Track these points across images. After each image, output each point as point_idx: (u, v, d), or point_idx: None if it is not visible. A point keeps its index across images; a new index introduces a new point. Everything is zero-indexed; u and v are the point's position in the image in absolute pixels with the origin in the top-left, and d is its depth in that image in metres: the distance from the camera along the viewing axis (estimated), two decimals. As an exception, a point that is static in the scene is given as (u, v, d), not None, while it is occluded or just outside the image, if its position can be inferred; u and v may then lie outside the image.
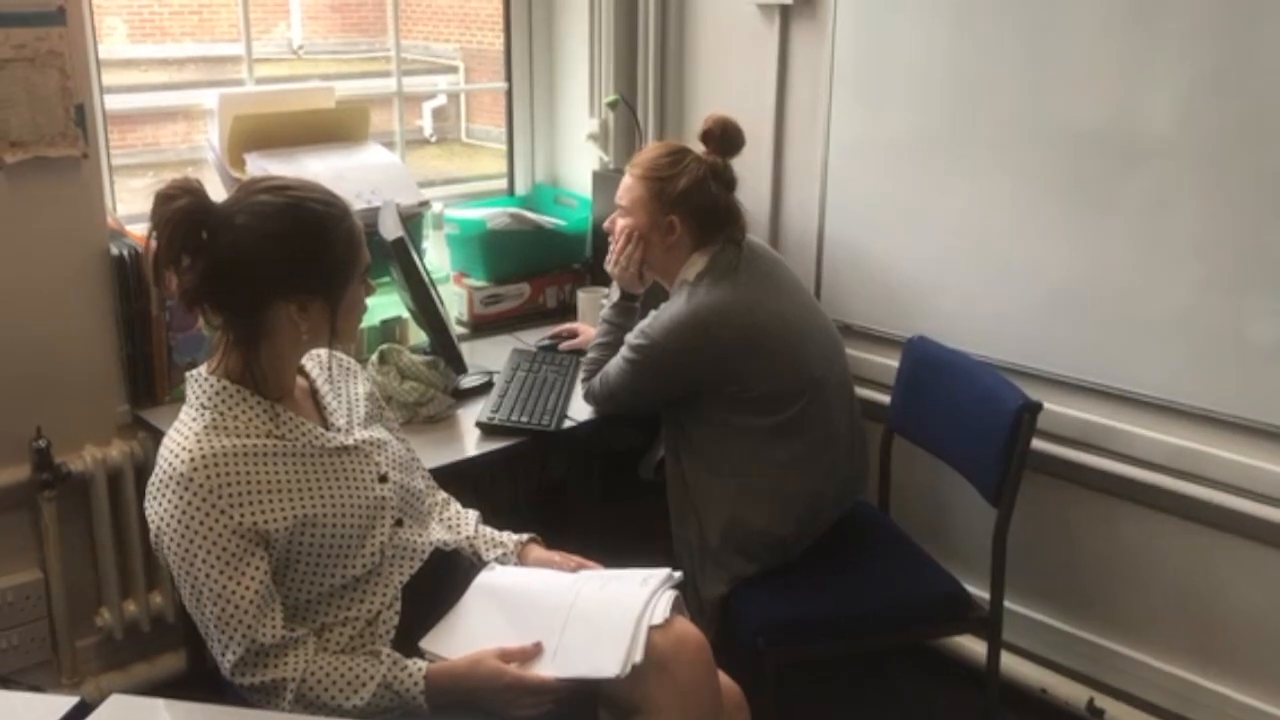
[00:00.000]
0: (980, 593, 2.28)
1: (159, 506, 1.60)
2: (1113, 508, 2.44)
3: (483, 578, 1.84)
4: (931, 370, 2.45)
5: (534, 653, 1.69)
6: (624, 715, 1.73)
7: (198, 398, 1.66)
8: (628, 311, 2.42)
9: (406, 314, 2.61)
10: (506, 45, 3.24)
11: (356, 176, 2.64)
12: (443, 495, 2.02)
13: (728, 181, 2.32)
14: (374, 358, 2.38)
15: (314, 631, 1.66)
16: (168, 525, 1.58)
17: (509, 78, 3.26)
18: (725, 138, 2.32)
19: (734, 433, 2.24)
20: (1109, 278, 2.32)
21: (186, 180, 1.63)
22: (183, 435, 1.63)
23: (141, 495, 2.39)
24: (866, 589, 2.25)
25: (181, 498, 1.57)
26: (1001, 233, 2.47)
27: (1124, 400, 2.36)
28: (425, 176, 3.20)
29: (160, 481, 1.61)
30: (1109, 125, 2.27)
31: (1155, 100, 2.21)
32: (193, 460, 1.58)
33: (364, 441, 1.79)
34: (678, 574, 1.82)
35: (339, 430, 1.77)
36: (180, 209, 1.59)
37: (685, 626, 1.74)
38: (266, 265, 1.61)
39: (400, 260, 2.30)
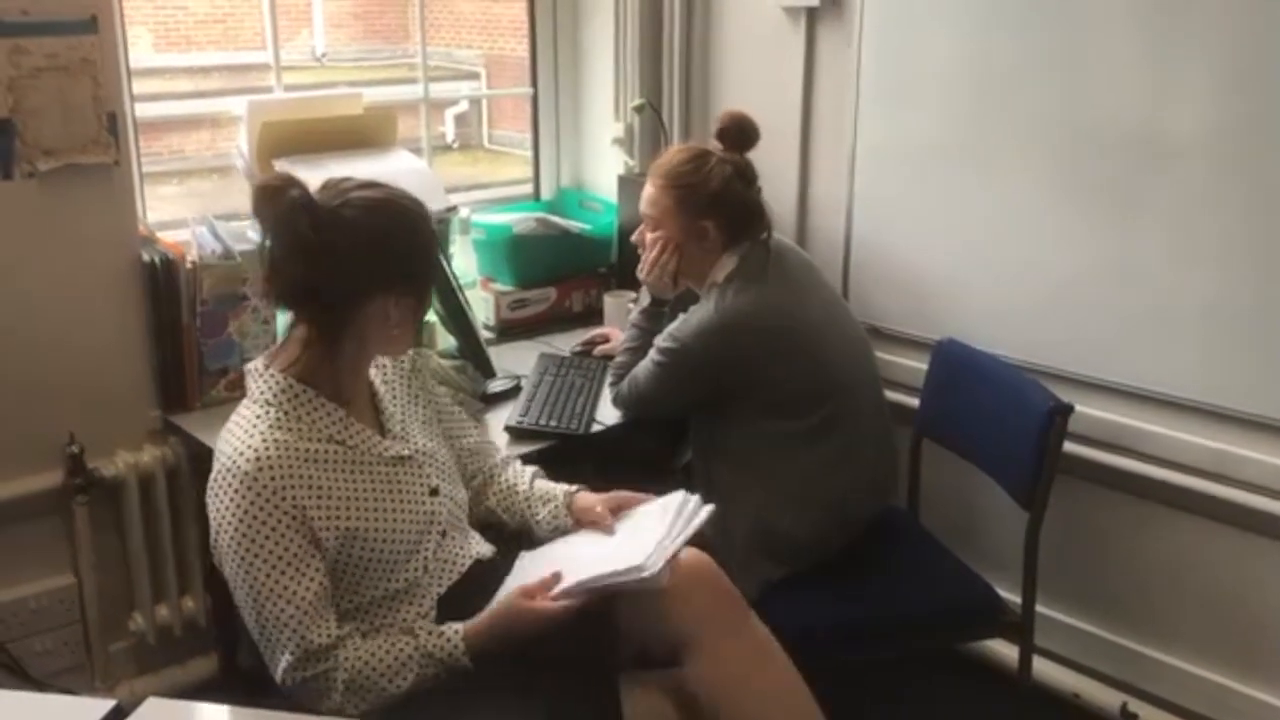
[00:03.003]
0: (1011, 596, 2.27)
1: (221, 502, 1.59)
2: (1146, 510, 2.42)
3: (523, 563, 1.86)
4: (961, 373, 2.44)
5: (552, 581, 1.69)
6: (653, 666, 1.73)
7: (263, 393, 1.65)
8: (657, 316, 2.42)
9: (435, 319, 2.62)
10: (531, 51, 3.25)
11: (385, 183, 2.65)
12: (501, 456, 2.03)
13: (751, 177, 2.31)
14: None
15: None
16: (229, 522, 1.57)
17: (534, 83, 3.27)
18: (742, 133, 2.30)
19: (762, 436, 2.24)
20: (1139, 278, 2.31)
21: (286, 174, 1.64)
22: (247, 431, 1.61)
23: (173, 500, 2.44)
24: (897, 594, 2.24)
25: (245, 495, 1.57)
26: (1030, 234, 2.46)
27: (1156, 402, 2.35)
28: (450, 182, 3.20)
29: (223, 477, 1.59)
30: (1138, 124, 2.26)
31: (1183, 99, 2.19)
32: (259, 458, 1.58)
33: (418, 452, 1.79)
34: (707, 502, 1.85)
35: (395, 438, 1.77)
36: (294, 201, 1.58)
37: (687, 555, 1.74)
38: (372, 260, 1.61)
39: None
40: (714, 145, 2.31)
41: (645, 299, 2.45)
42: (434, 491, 1.78)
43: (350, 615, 1.67)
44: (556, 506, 1.95)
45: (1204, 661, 2.40)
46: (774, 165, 2.52)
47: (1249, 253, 2.16)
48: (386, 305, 1.64)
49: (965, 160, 2.54)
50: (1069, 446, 2.26)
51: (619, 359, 2.43)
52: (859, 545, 2.28)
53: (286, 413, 1.64)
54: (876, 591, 2.23)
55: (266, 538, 1.57)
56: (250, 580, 1.57)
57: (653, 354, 2.28)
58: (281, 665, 1.58)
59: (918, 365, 2.62)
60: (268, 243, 1.62)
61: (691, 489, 2.33)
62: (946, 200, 2.59)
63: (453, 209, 2.78)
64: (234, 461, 1.58)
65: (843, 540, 2.27)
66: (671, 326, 2.28)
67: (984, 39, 2.46)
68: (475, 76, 6.28)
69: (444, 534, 1.79)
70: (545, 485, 2.00)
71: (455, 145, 5.49)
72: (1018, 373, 2.34)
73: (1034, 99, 2.40)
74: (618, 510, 1.91)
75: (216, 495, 1.60)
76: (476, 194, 3.32)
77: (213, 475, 1.62)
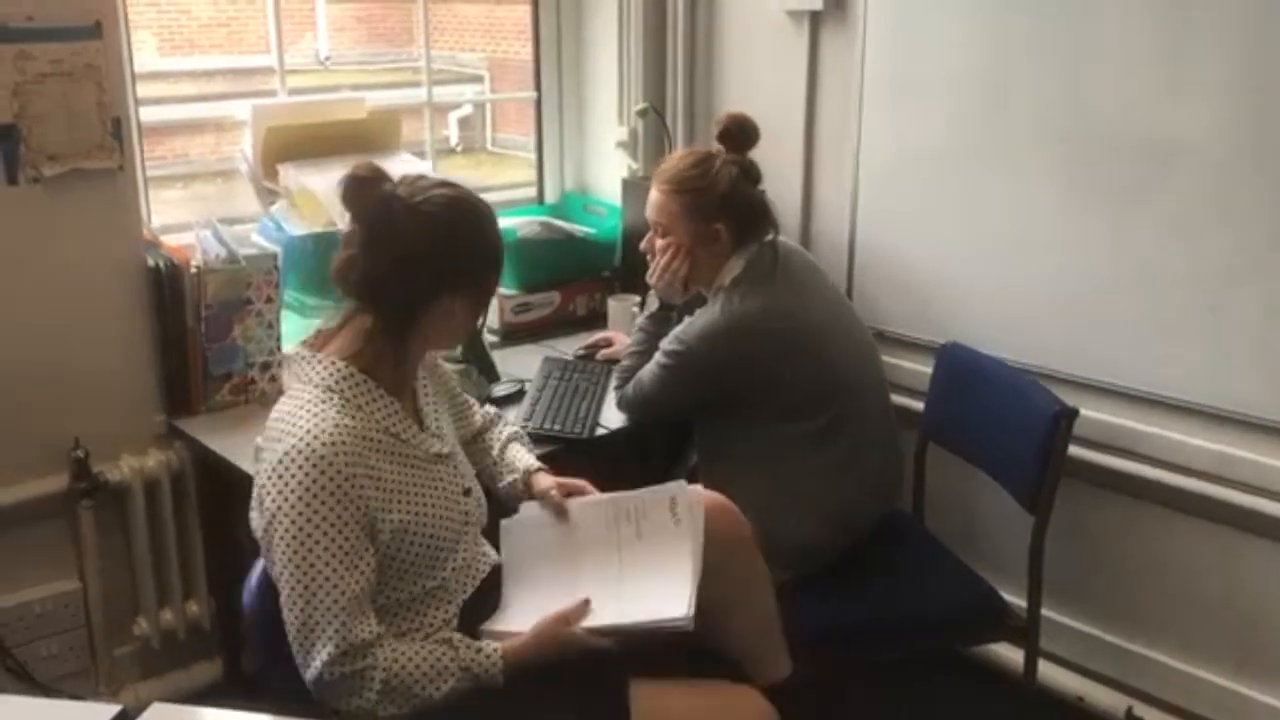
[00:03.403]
0: (1016, 600, 2.27)
1: (287, 485, 1.54)
2: (1151, 513, 2.42)
3: (514, 541, 1.87)
4: (966, 376, 2.44)
5: (584, 609, 1.70)
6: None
7: (323, 379, 1.62)
8: (664, 321, 2.41)
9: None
10: (535, 55, 3.25)
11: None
12: (493, 414, 2.07)
13: (755, 177, 2.31)
14: (407, 367, 2.38)
15: None
16: (290, 506, 1.53)
17: (538, 86, 3.27)
18: (743, 133, 2.30)
19: (767, 440, 2.24)
20: (1143, 281, 2.31)
21: (374, 165, 1.66)
22: (314, 415, 1.58)
23: (178, 504, 2.44)
24: (901, 597, 2.24)
25: (313, 478, 1.54)
26: (1035, 237, 2.45)
27: (1160, 405, 2.35)
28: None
29: (292, 459, 1.54)
30: (1143, 128, 2.26)
31: (1191, 102, 2.19)
32: (333, 442, 1.55)
33: (454, 451, 1.80)
34: (684, 482, 1.86)
35: (433, 435, 1.76)
36: (386, 194, 1.61)
37: (711, 513, 1.80)
38: (447, 257, 1.63)
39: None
40: (716, 148, 2.31)
41: (653, 304, 2.45)
42: (467, 492, 1.79)
43: (381, 613, 1.66)
44: (516, 480, 1.95)
45: (1210, 665, 2.40)
46: (778, 168, 2.52)
47: (1254, 256, 2.16)
48: (454, 302, 1.66)
49: (969, 163, 2.54)
50: (1073, 450, 2.25)
51: (625, 362, 2.43)
52: (864, 548, 2.28)
53: (348, 400, 1.62)
54: (881, 594, 2.23)
55: (331, 525, 1.54)
56: (304, 567, 1.54)
57: (658, 357, 2.28)
58: (321, 659, 1.54)
59: (922, 369, 2.62)
60: (351, 231, 1.64)
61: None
62: (951, 203, 2.59)
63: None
64: (306, 444, 1.54)
65: (848, 543, 2.26)
66: (677, 329, 2.28)
67: (989, 41, 2.46)
68: (479, 80, 6.28)
69: (474, 536, 1.81)
70: (513, 455, 2.00)
71: (459, 148, 5.50)
72: (1022, 376, 2.34)
73: (1039, 102, 2.40)
74: (569, 496, 1.90)
75: (281, 477, 1.55)
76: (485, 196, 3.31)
77: (278, 458, 1.56)
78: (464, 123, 6.09)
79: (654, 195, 2.31)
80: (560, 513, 1.88)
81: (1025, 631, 2.23)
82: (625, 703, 1.64)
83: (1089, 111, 2.33)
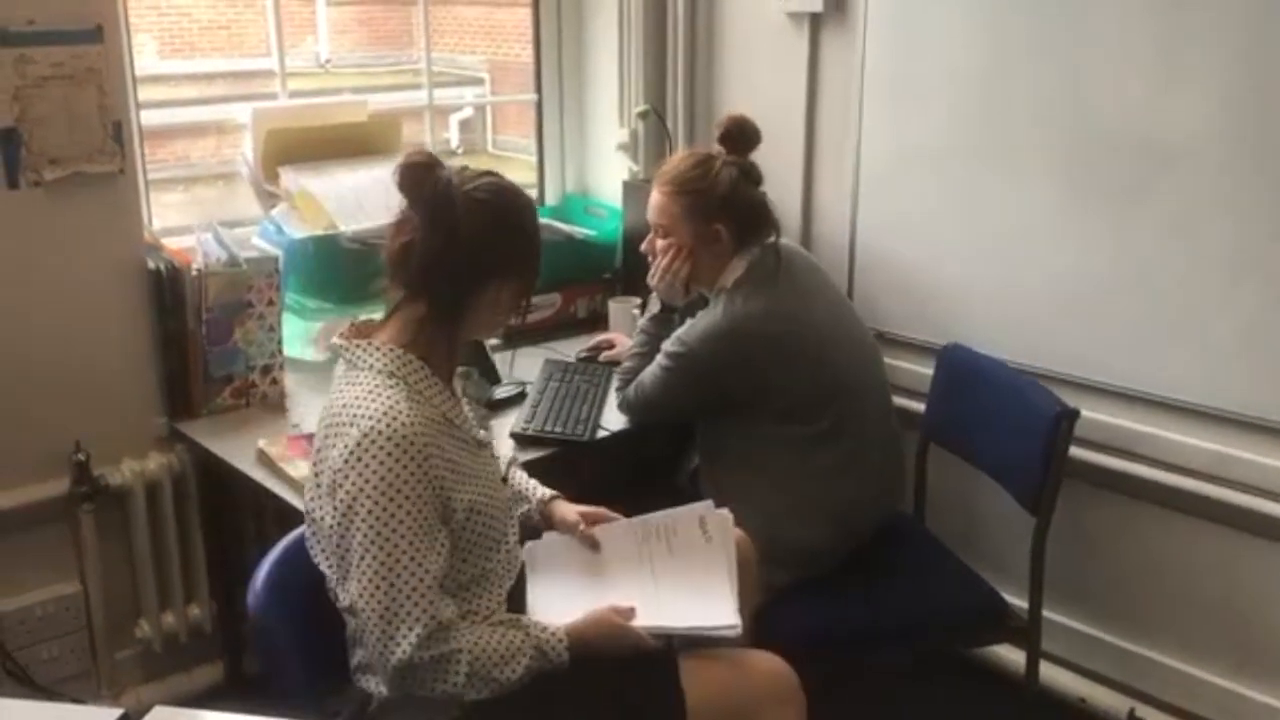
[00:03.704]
0: (1017, 601, 2.27)
1: (367, 468, 1.54)
2: (1152, 514, 2.42)
3: (540, 563, 1.87)
4: (967, 378, 2.44)
5: (631, 613, 1.73)
6: None
7: (384, 365, 1.63)
8: (666, 323, 2.40)
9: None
10: (536, 57, 3.25)
11: (389, 189, 2.64)
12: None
13: (756, 178, 2.31)
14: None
15: None
16: (373, 488, 1.53)
17: (538, 89, 3.27)
18: (744, 135, 2.30)
19: (769, 442, 2.24)
20: (1145, 283, 2.31)
21: (428, 152, 1.68)
22: (383, 399, 1.58)
23: (179, 507, 2.44)
24: (903, 599, 2.24)
25: (395, 458, 1.54)
26: (1035, 238, 2.45)
27: (1161, 405, 2.35)
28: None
29: (367, 442, 1.54)
30: (1144, 129, 2.26)
31: (1191, 102, 2.19)
32: (410, 424, 1.56)
33: (491, 441, 1.83)
34: (716, 507, 1.90)
35: (474, 424, 1.78)
36: (445, 181, 1.63)
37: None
38: (499, 244, 1.66)
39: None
40: (717, 149, 2.31)
41: (655, 306, 2.45)
42: (504, 480, 1.82)
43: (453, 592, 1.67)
44: (530, 511, 1.95)
45: (1212, 666, 2.40)
46: (779, 170, 2.52)
47: (1256, 256, 2.16)
48: (502, 290, 1.69)
49: (970, 163, 2.54)
50: (1075, 451, 2.25)
51: (626, 364, 2.42)
52: (865, 550, 2.28)
53: (410, 385, 1.63)
54: (882, 597, 2.23)
55: (413, 504, 1.55)
56: (388, 549, 1.54)
57: (660, 359, 2.28)
58: (410, 641, 1.53)
59: (923, 370, 2.62)
60: (406, 217, 1.65)
61: (697, 497, 2.35)
62: (951, 204, 2.59)
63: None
64: (385, 425, 1.55)
65: (849, 545, 2.26)
66: (679, 331, 2.28)
67: (988, 42, 2.46)
68: (479, 82, 6.29)
69: (514, 525, 1.83)
70: (520, 481, 1.99)
71: (460, 151, 5.50)
72: (1023, 377, 2.34)
73: (1039, 102, 2.40)
74: (594, 524, 1.92)
75: (360, 460, 1.54)
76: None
77: (354, 441, 1.55)
78: (465, 125, 6.09)
79: (655, 197, 2.31)
80: (591, 544, 1.90)
81: (1027, 633, 2.23)
82: (675, 670, 1.69)
83: (1089, 111, 2.33)
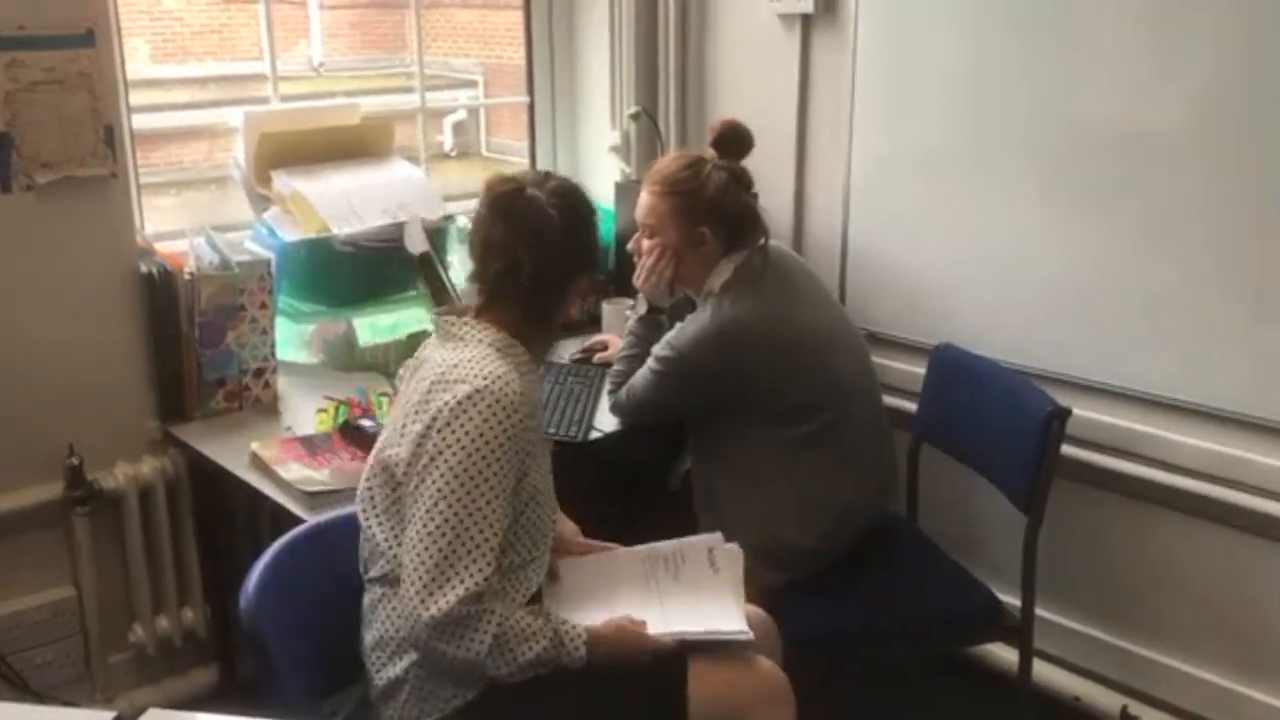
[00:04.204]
0: (1011, 600, 2.27)
1: (467, 420, 1.60)
2: (1145, 513, 2.43)
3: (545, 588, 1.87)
4: (959, 378, 2.45)
5: (645, 624, 1.75)
6: None
7: (492, 341, 1.70)
8: (654, 324, 2.41)
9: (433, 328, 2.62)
10: (528, 60, 3.26)
11: (382, 192, 2.67)
12: None
13: (747, 184, 2.31)
14: (402, 371, 2.37)
15: None
16: (471, 439, 1.59)
17: (530, 91, 3.28)
18: (737, 140, 2.31)
19: (761, 444, 2.24)
20: (1135, 281, 2.32)
21: (506, 175, 1.77)
22: (496, 364, 1.66)
23: (173, 511, 2.44)
24: (896, 599, 2.24)
25: (499, 419, 1.60)
26: (1025, 238, 2.46)
27: (1153, 404, 2.36)
28: (448, 191, 3.21)
29: (478, 397, 1.61)
30: (1132, 129, 2.27)
31: (1178, 103, 2.20)
32: (518, 391, 1.64)
33: None
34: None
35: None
36: (532, 195, 1.72)
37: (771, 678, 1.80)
38: (584, 244, 1.80)
39: (426, 274, 2.31)
40: (709, 153, 2.32)
41: (642, 307, 2.45)
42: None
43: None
44: None
45: (1204, 663, 2.41)
46: (770, 171, 2.52)
47: (1245, 255, 2.17)
48: (584, 279, 1.83)
49: (961, 165, 2.55)
50: (1067, 450, 2.26)
51: (616, 367, 2.43)
52: (859, 551, 2.28)
53: (514, 363, 1.70)
54: (876, 597, 2.23)
55: (501, 466, 1.61)
56: (466, 500, 1.59)
57: (651, 362, 2.28)
58: (455, 594, 1.57)
59: (915, 370, 2.62)
60: (506, 243, 1.71)
61: (689, 500, 2.36)
62: (942, 205, 2.60)
63: (450, 218, 2.78)
64: (497, 387, 1.62)
65: (843, 546, 2.27)
66: (669, 335, 2.28)
67: (979, 44, 2.47)
68: (473, 85, 6.28)
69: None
70: None
71: (453, 154, 5.50)
72: (1015, 377, 2.34)
73: (1029, 104, 2.41)
74: (586, 554, 1.96)
75: (466, 412, 1.60)
76: (474, 202, 3.31)
77: (464, 393, 1.61)
78: (458, 128, 6.08)
79: (644, 196, 2.32)
80: (585, 550, 1.94)
81: (1020, 632, 2.24)
82: (685, 671, 1.71)
83: (1077, 112, 2.34)
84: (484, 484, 1.59)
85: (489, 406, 1.60)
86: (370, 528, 1.70)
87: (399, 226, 2.53)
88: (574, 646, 1.66)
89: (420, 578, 1.58)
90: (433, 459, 1.60)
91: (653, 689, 1.71)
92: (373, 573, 1.71)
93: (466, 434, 1.59)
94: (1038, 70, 2.38)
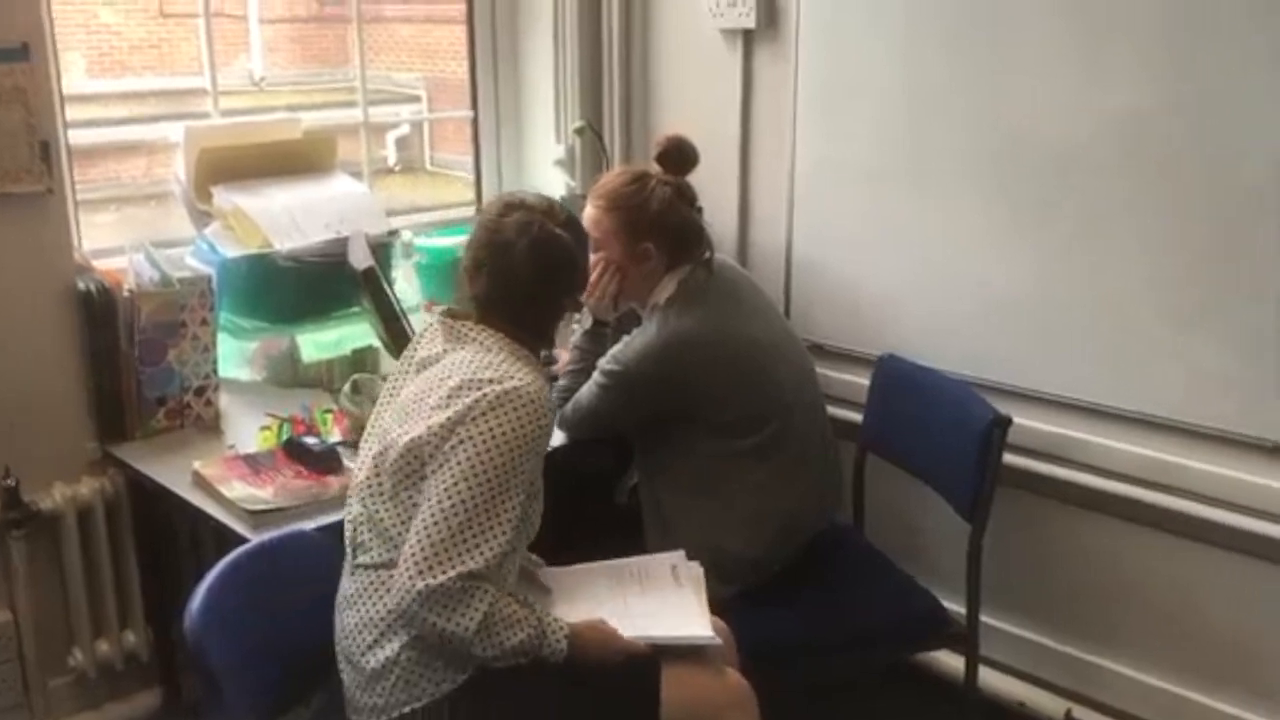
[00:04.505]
0: (957, 608, 2.29)
1: (507, 412, 1.68)
2: (1084, 519, 2.47)
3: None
4: (902, 388, 2.48)
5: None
6: None
7: (505, 348, 1.79)
8: (599, 338, 2.42)
9: (378, 343, 2.60)
10: (471, 74, 3.25)
11: (325, 207, 2.64)
12: None
13: (691, 198, 2.33)
14: (347, 388, 2.36)
15: None
16: (511, 430, 1.67)
17: (474, 105, 3.27)
18: (682, 156, 2.33)
19: (707, 456, 2.25)
20: (1069, 292, 2.36)
21: (506, 218, 1.82)
22: (527, 371, 1.76)
23: (113, 532, 2.40)
24: (843, 608, 2.26)
25: (536, 418, 1.70)
26: (968, 249, 2.50)
27: (1093, 412, 2.39)
28: (392, 205, 3.19)
29: (521, 394, 1.70)
30: (1064, 142, 2.31)
31: (1107, 118, 2.25)
32: (548, 399, 1.76)
33: None
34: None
35: None
36: (533, 238, 1.80)
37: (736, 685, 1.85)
38: (581, 270, 1.94)
39: (371, 290, 2.30)
40: (654, 168, 2.33)
41: (587, 321, 2.45)
42: None
43: None
44: None
45: (1147, 666, 2.45)
46: (715, 185, 2.54)
47: (1171, 266, 2.22)
48: (568, 304, 1.93)
49: (902, 177, 2.58)
50: (1011, 458, 2.30)
51: (562, 382, 2.42)
52: (805, 561, 2.30)
53: (530, 366, 1.80)
54: (823, 606, 2.25)
55: (526, 462, 1.69)
56: (487, 489, 1.65)
57: (596, 376, 2.28)
58: (455, 571, 1.61)
59: (861, 380, 2.64)
60: (511, 254, 1.80)
61: (638, 513, 2.37)
62: (885, 217, 2.63)
63: (394, 233, 2.77)
64: (536, 390, 1.73)
65: (790, 556, 2.28)
66: (615, 349, 2.29)
67: (914, 59, 2.51)
68: (417, 99, 6.25)
69: None
70: None
71: (397, 168, 5.47)
72: (958, 386, 2.37)
73: (967, 116, 2.45)
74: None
75: (511, 404, 1.68)
76: (418, 217, 3.31)
77: (510, 387, 1.70)
78: (402, 142, 6.05)
79: (588, 211, 2.33)
80: (565, 573, 1.98)
81: (965, 638, 2.26)
82: (658, 673, 1.77)
83: (1010, 126, 2.38)
84: (508, 477, 1.66)
85: (525, 406, 1.69)
86: (378, 512, 1.73)
87: (342, 241, 2.51)
88: (556, 639, 1.69)
89: (424, 549, 1.63)
90: (462, 442, 1.66)
91: (628, 689, 1.75)
92: (368, 558, 1.73)
93: (500, 427, 1.67)
94: (972, 84, 2.42)
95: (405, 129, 6.15)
